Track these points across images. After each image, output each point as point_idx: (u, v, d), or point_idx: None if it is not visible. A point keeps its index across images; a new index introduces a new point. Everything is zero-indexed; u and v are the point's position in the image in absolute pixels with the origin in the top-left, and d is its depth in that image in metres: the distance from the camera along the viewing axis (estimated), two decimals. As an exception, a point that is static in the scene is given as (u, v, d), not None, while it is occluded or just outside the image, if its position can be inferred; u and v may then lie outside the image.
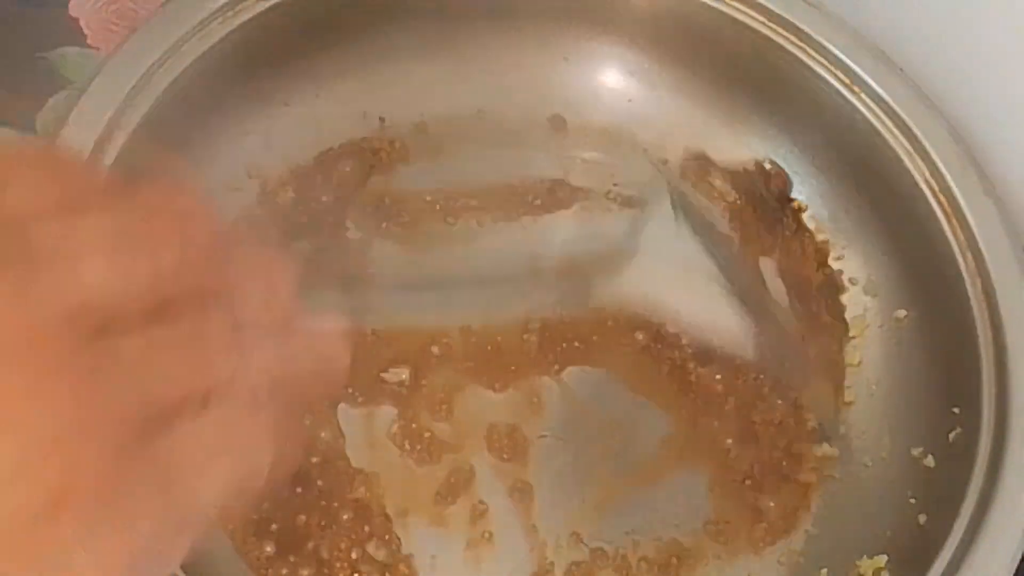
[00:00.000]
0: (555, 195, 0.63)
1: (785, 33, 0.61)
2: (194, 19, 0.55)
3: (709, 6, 0.61)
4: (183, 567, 0.43)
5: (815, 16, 0.61)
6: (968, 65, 0.61)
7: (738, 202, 0.63)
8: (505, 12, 0.64)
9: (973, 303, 0.55)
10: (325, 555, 0.51)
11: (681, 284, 0.51)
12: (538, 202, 0.63)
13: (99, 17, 0.67)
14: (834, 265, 0.62)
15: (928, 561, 0.49)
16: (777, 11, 0.61)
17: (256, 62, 0.58)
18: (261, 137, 0.60)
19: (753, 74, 0.63)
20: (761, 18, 0.61)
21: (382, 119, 0.63)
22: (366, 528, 0.52)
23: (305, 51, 0.61)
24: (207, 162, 0.58)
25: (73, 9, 0.68)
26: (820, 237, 0.63)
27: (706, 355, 0.58)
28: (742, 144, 0.65)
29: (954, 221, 0.57)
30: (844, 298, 0.61)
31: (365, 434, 0.55)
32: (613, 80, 0.66)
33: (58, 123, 0.51)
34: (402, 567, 0.52)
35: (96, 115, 0.51)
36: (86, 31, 0.68)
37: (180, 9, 0.55)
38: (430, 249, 0.60)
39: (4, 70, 0.66)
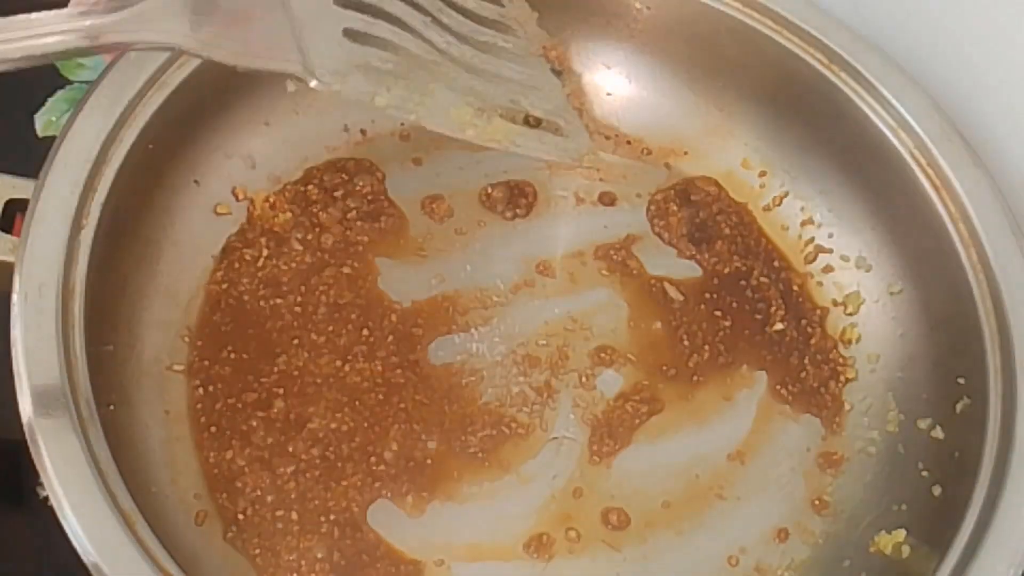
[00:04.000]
0: (531, 194, 0.63)
1: (760, 16, 0.62)
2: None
3: (684, -5, 0.62)
4: (183, 567, 0.44)
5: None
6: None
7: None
8: (477, 14, 0.64)
9: (969, 272, 0.55)
10: None
11: None
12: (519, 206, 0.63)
13: (99, 16, 0.67)
14: (824, 244, 0.63)
15: (949, 533, 0.49)
16: (750, -5, 0.61)
17: (234, 86, 0.58)
18: (245, 159, 0.60)
19: (730, 59, 0.64)
20: (736, 3, 0.62)
21: (363, 131, 0.63)
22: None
23: (282, 69, 0.60)
24: (192, 190, 0.58)
25: (73, 9, 0.68)
26: (807, 216, 0.63)
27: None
28: (724, 129, 0.65)
29: (943, 193, 0.57)
30: (836, 276, 0.62)
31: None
32: (590, 74, 0.66)
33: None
34: None
35: (77, 159, 0.50)
36: (85, 30, 0.68)
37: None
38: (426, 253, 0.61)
39: (4, 70, 0.65)
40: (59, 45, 0.43)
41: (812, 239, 0.63)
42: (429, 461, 0.54)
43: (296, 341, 0.56)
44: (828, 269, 0.62)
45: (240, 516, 0.52)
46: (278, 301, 0.57)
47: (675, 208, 0.63)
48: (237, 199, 0.59)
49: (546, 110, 0.55)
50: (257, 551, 0.51)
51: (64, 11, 0.43)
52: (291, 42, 0.48)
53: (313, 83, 0.48)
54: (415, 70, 0.51)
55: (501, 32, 0.57)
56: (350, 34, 0.50)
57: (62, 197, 0.49)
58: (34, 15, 0.42)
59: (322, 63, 0.48)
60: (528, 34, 0.58)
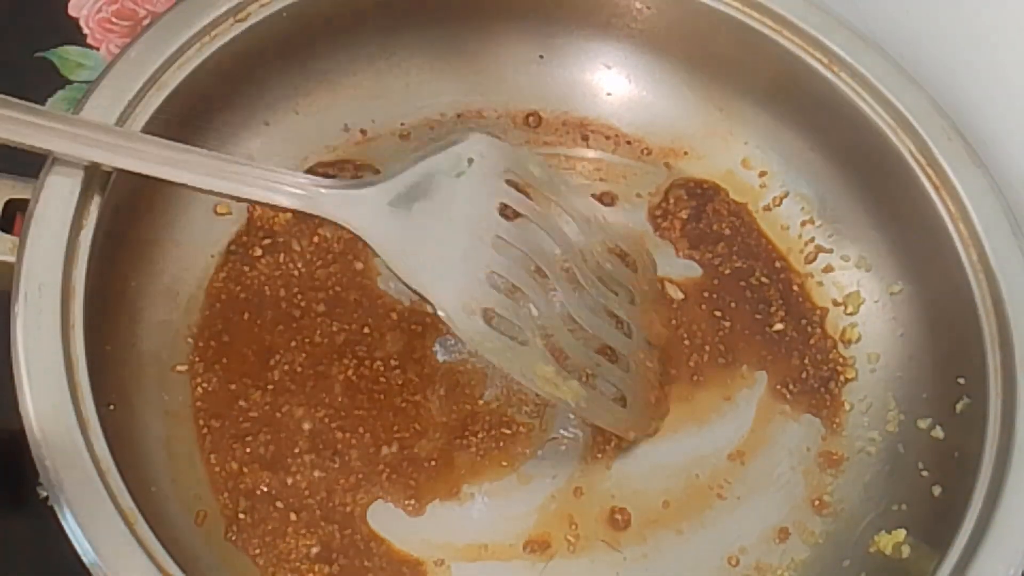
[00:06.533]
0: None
1: (759, 16, 0.61)
2: (170, 49, 0.54)
3: (684, -6, 0.62)
4: (183, 567, 0.44)
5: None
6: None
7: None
8: (477, 14, 0.64)
9: (969, 272, 0.55)
10: None
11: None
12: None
13: (98, 16, 0.67)
14: (825, 244, 0.63)
15: (949, 532, 0.49)
16: (749, -4, 0.61)
17: (233, 86, 0.58)
18: (244, 159, 0.59)
19: (730, 59, 0.63)
20: (735, 3, 0.61)
21: (363, 131, 0.63)
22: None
23: (282, 70, 0.60)
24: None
25: (72, 9, 0.68)
26: (807, 216, 0.63)
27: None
28: (724, 129, 0.65)
29: (943, 192, 0.57)
30: (836, 276, 0.62)
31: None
32: (590, 75, 0.66)
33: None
34: None
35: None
36: (85, 30, 0.68)
37: (154, 41, 0.54)
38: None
39: (4, 70, 0.65)
40: (284, 202, 0.50)
41: (812, 239, 0.63)
42: (429, 461, 0.55)
43: (296, 341, 0.56)
44: (828, 269, 0.62)
45: (240, 516, 0.52)
46: (278, 300, 0.57)
47: (675, 208, 0.63)
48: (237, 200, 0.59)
49: (622, 388, 0.56)
50: (257, 551, 0.51)
51: (298, 176, 0.50)
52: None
53: (441, 314, 0.49)
54: (525, 321, 0.52)
55: (627, 313, 0.58)
56: (490, 277, 0.51)
57: (62, 197, 0.49)
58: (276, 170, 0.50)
59: (457, 295, 0.50)
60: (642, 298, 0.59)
